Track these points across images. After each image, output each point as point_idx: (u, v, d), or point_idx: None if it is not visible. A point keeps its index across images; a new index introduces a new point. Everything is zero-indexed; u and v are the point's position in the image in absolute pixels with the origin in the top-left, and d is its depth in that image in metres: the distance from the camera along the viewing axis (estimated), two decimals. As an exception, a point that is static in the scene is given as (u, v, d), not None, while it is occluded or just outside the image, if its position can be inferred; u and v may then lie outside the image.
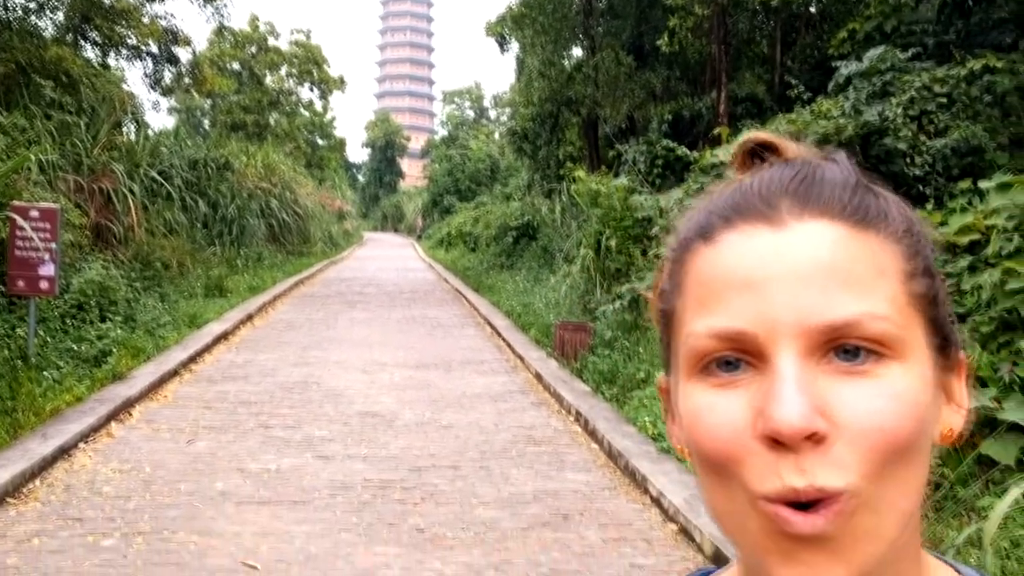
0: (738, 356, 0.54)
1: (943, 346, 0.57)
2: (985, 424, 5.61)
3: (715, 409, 0.54)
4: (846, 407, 0.51)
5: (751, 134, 0.63)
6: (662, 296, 0.61)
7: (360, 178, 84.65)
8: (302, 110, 42.37)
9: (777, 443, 0.51)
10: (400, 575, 4.66)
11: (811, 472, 0.50)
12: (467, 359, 11.41)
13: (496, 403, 8.88)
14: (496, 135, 50.99)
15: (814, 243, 0.54)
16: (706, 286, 0.56)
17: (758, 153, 0.62)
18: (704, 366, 0.55)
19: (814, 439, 0.50)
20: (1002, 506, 3.93)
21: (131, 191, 14.14)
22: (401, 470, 6.50)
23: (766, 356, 0.53)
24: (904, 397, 0.52)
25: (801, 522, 0.50)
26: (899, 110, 8.88)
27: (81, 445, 6.80)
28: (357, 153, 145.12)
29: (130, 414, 7.87)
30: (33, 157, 10.74)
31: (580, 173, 13.25)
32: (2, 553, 4.75)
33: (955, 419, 0.58)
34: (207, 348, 11.17)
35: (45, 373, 8.25)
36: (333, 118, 48.09)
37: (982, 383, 5.85)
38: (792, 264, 0.53)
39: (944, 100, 9.10)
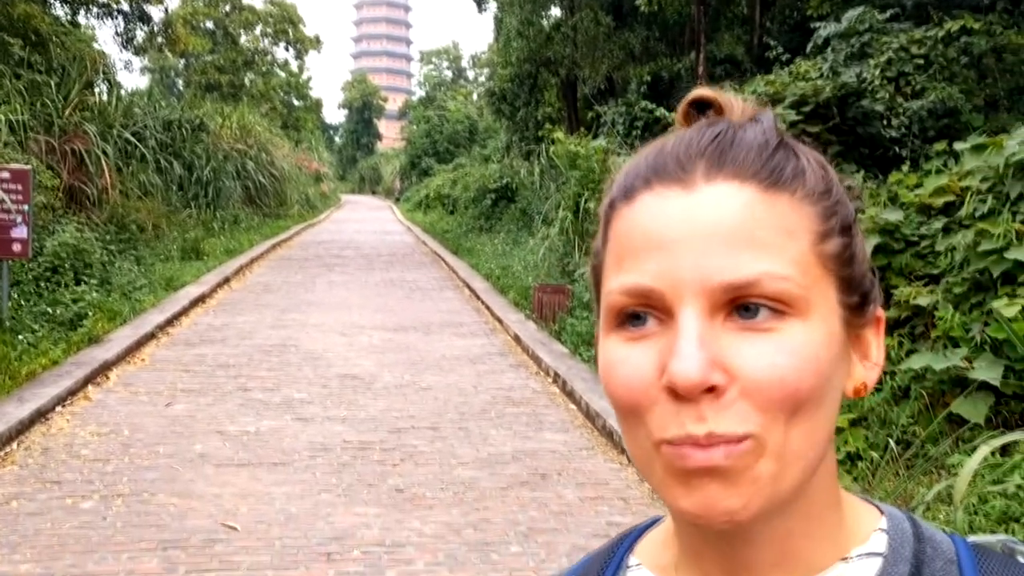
0: (646, 311, 0.56)
1: (859, 303, 0.59)
2: (956, 384, 5.71)
3: (627, 361, 0.56)
4: (745, 362, 0.53)
5: (695, 91, 0.64)
6: (596, 253, 0.63)
7: (337, 140, 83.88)
8: (277, 70, 41.83)
9: (679, 395, 0.53)
10: (380, 535, 4.70)
11: (711, 420, 0.53)
12: (446, 322, 11.42)
13: (475, 365, 8.92)
14: (474, 96, 50.60)
15: (721, 206, 0.55)
16: (623, 245, 0.58)
17: (703, 110, 0.63)
18: (619, 321, 0.57)
19: (713, 392, 0.53)
20: (971, 463, 4.01)
21: (104, 152, 13.92)
22: (380, 431, 6.53)
23: (671, 312, 0.55)
24: (803, 353, 0.54)
25: (700, 455, 0.53)
26: (876, 71, 8.90)
27: (58, 408, 6.77)
28: (334, 114, 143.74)
29: (107, 377, 7.84)
30: (3, 117, 10.55)
31: (559, 135, 13.21)
32: (-20, 516, 4.75)
33: (869, 374, 0.60)
34: (184, 311, 11.11)
35: (20, 336, 8.19)
36: (309, 79, 47.55)
37: (954, 343, 5.94)
38: (699, 226, 0.55)
39: (921, 61, 9.13)
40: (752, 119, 0.60)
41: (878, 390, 6.33)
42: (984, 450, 4.05)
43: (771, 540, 0.59)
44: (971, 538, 0.64)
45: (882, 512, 0.64)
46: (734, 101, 0.62)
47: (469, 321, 11.59)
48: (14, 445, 5.94)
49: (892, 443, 5.39)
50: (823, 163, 0.60)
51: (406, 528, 4.80)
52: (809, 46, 11.18)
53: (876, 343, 0.61)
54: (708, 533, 0.59)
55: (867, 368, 0.61)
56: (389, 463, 5.85)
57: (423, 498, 5.25)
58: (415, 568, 4.32)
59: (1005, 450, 5.08)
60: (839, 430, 5.96)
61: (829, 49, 10.08)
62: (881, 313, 0.62)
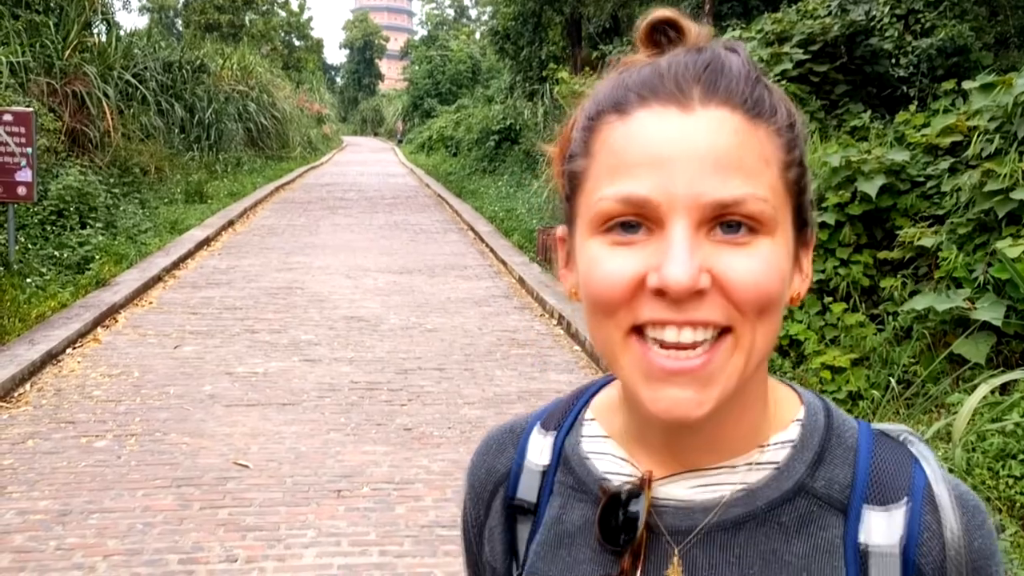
0: (638, 220, 0.62)
1: (801, 225, 0.67)
2: (958, 324, 5.75)
3: (611, 261, 0.63)
4: (727, 269, 0.61)
5: (657, 12, 0.69)
6: (571, 159, 0.69)
7: (338, 80, 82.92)
8: (278, 9, 41.16)
9: (664, 295, 0.61)
10: (388, 472, 4.80)
11: (693, 313, 0.61)
12: (450, 264, 11.45)
13: (480, 307, 8.97)
14: (477, 35, 49.84)
15: (715, 130, 0.61)
16: (618, 156, 0.63)
17: (663, 31, 0.68)
18: (607, 227, 0.63)
19: (698, 295, 0.61)
20: (971, 402, 4.06)
21: (105, 95, 13.80)
22: (387, 372, 6.61)
23: (663, 223, 0.61)
24: (771, 263, 0.62)
25: (673, 363, 0.61)
26: (886, 9, 8.76)
27: (68, 350, 6.85)
28: (335, 55, 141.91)
29: (115, 319, 7.91)
30: (3, 59, 10.45)
31: (564, 75, 13.06)
32: (-2, 455, 4.85)
33: (802, 285, 0.70)
34: (190, 254, 11.14)
35: (28, 280, 8.25)
36: (310, 18, 46.86)
37: (957, 284, 5.97)
38: (695, 147, 0.61)
39: (932, -2, 8.99)
40: (729, 47, 0.65)
41: (880, 330, 6.38)
42: (984, 389, 4.11)
43: (708, 428, 0.67)
44: (877, 425, 0.73)
45: (802, 402, 0.74)
46: (693, 25, 0.67)
47: (473, 264, 11.62)
48: (27, 386, 6.03)
49: (894, 382, 5.45)
50: (786, 98, 0.66)
51: (414, 465, 4.89)
52: (818, -18, 10.96)
53: (806, 261, 0.70)
54: (651, 414, 0.66)
55: (801, 281, 0.69)
56: (396, 403, 5.94)
57: (431, 437, 5.34)
58: (424, 504, 4.42)
59: (1004, 388, 5.14)
60: (840, 370, 6.02)
61: (838, -15, 9.91)
62: (813, 237, 0.70)
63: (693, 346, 0.61)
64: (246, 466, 4.81)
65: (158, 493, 4.44)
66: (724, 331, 0.62)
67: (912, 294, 6.36)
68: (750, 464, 0.70)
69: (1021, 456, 4.48)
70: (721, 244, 0.61)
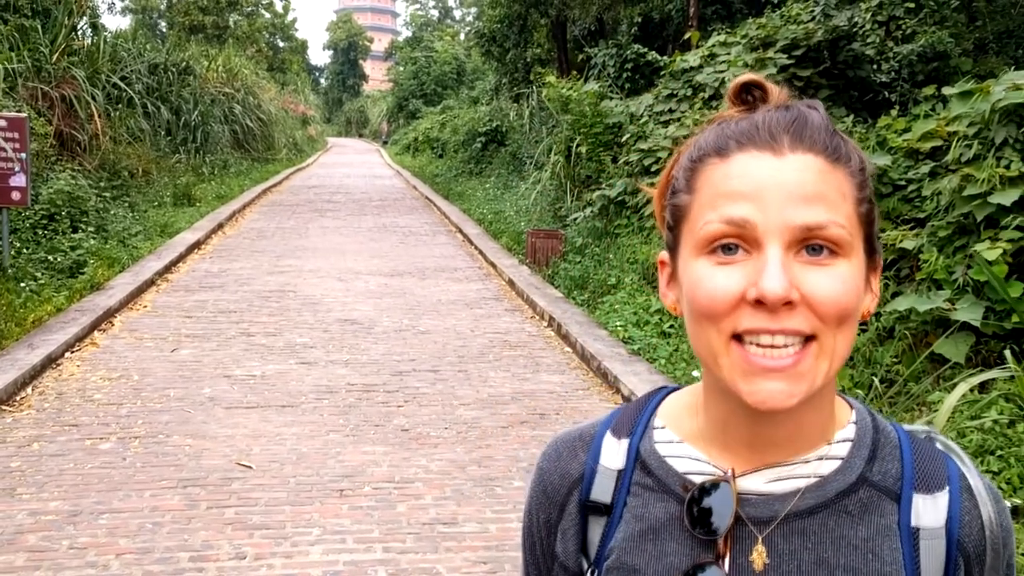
0: (738, 242, 0.75)
1: (871, 252, 0.80)
2: (939, 324, 5.93)
3: (716, 277, 0.75)
4: (812, 286, 0.73)
5: (745, 76, 0.84)
6: (674, 194, 0.82)
7: (323, 82, 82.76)
8: (262, 11, 41.10)
9: (761, 305, 0.73)
10: (389, 472, 4.92)
11: (785, 321, 0.73)
12: (441, 267, 11.58)
13: (471, 309, 9.11)
14: (462, 36, 49.92)
15: (802, 169, 0.75)
16: (719, 190, 0.77)
17: (749, 91, 0.83)
18: (711, 249, 0.76)
19: (788, 306, 0.73)
20: (951, 400, 4.25)
21: (93, 98, 13.83)
22: (383, 374, 6.73)
23: (760, 244, 0.73)
24: (848, 281, 0.75)
25: (769, 361, 0.74)
26: (867, 15, 8.95)
27: (67, 354, 6.93)
28: (319, 56, 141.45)
29: (111, 323, 7.99)
30: (1, 67, 10.48)
31: (550, 78, 13.21)
32: (6, 457, 4.94)
33: (872, 303, 0.82)
34: (181, 257, 11.22)
35: (22, 284, 8.31)
36: (294, 19, 46.80)
37: (937, 286, 6.14)
38: (785, 182, 0.74)
39: (912, 5, 9.18)
40: (810, 106, 0.80)
41: (864, 331, 6.55)
42: (963, 387, 4.28)
43: (788, 422, 0.80)
44: (906, 426, 0.88)
45: (852, 407, 0.87)
46: (775, 87, 0.83)
47: (463, 266, 11.75)
48: (29, 390, 6.11)
49: (876, 382, 5.62)
50: (858, 148, 0.80)
51: (413, 465, 5.02)
52: (801, -12, 11.16)
53: (875, 281, 0.83)
54: (740, 412, 0.80)
55: (871, 299, 0.83)
56: (393, 404, 6.06)
57: (428, 437, 5.47)
58: (424, 502, 4.55)
59: (984, 387, 5.32)
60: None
61: (821, -8, 10.11)
62: (881, 262, 0.84)
63: (784, 347, 0.74)
64: (249, 467, 4.92)
65: (165, 493, 4.55)
66: (809, 338, 0.74)
67: (895, 295, 6.53)
68: (820, 458, 0.82)
69: (999, 452, 4.64)
70: (807, 264, 0.74)
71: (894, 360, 6.13)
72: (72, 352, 7.02)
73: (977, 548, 0.81)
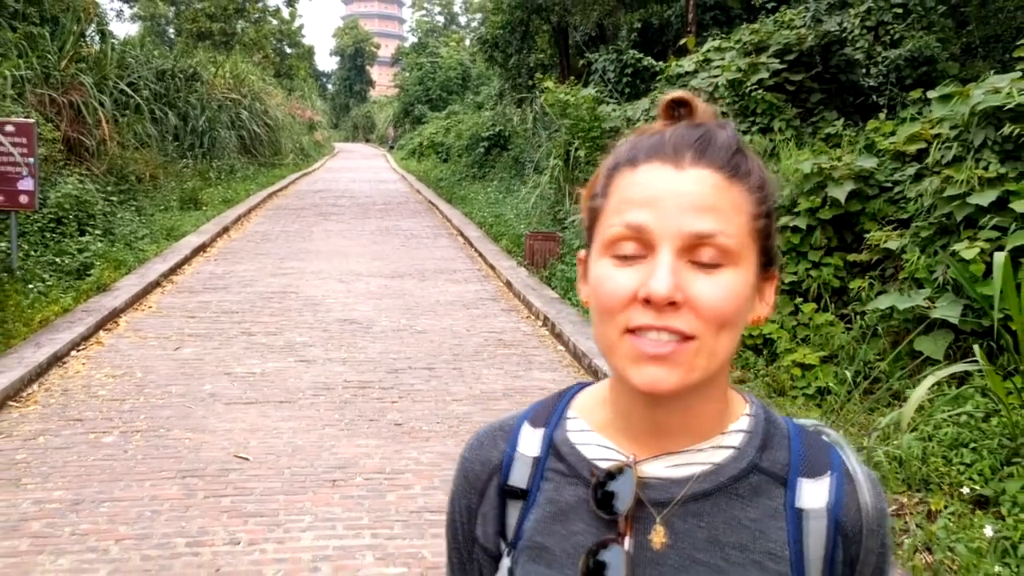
0: (635, 245, 0.82)
1: (767, 263, 0.88)
2: (919, 322, 6.08)
3: (615, 276, 0.83)
4: (696, 290, 0.80)
5: (673, 93, 0.94)
6: (593, 197, 0.91)
7: (330, 87, 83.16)
8: (269, 18, 41.43)
9: (649, 304, 0.80)
10: (380, 464, 5.10)
11: (670, 320, 0.81)
12: (440, 268, 11.76)
13: (468, 309, 9.28)
14: (467, 42, 50.15)
15: (699, 182, 0.82)
16: (626, 196, 0.84)
17: (677, 107, 0.93)
18: (614, 251, 0.84)
19: (673, 306, 0.80)
20: (918, 392, 4.39)
21: (101, 104, 14.07)
22: (379, 372, 6.91)
23: (654, 248, 0.81)
24: (731, 290, 0.82)
25: (654, 347, 0.81)
26: (856, 20, 9.10)
27: (73, 353, 7.13)
28: (326, 62, 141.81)
29: (117, 323, 8.19)
30: (8, 73, 10.71)
31: (549, 84, 13.38)
32: (12, 450, 5.13)
33: (763, 311, 0.90)
34: (186, 260, 11.43)
35: (30, 286, 8.51)
36: (301, 26, 47.12)
37: (918, 284, 6.30)
38: (682, 192, 0.82)
39: (900, 10, 9.33)
40: (720, 125, 0.90)
41: (848, 329, 6.71)
42: (930, 380, 4.43)
43: (681, 411, 0.88)
44: (797, 420, 0.97)
45: (748, 402, 0.94)
46: (702, 104, 0.90)
47: (463, 268, 11.93)
48: (35, 386, 6.31)
49: (850, 375, 5.78)
50: (762, 166, 0.88)
51: (404, 457, 5.20)
52: (795, -6, 11.33)
53: (770, 292, 0.90)
54: (638, 401, 0.87)
55: (762, 307, 0.90)
56: (388, 400, 6.24)
57: (420, 431, 5.64)
58: (413, 492, 4.72)
59: (963, 382, 5.46)
60: (809, 367, 6.35)
61: (812, -2, 10.26)
62: (777, 273, 0.91)
63: (669, 337, 0.81)
64: (246, 459, 5.10)
65: (164, 484, 4.73)
66: (690, 337, 0.81)
67: (879, 294, 6.67)
68: (714, 447, 0.89)
69: (972, 444, 4.78)
70: (696, 270, 0.80)
71: (876, 357, 6.27)
72: (78, 351, 7.22)
73: (854, 528, 0.88)
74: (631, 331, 0.82)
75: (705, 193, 0.82)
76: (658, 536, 0.87)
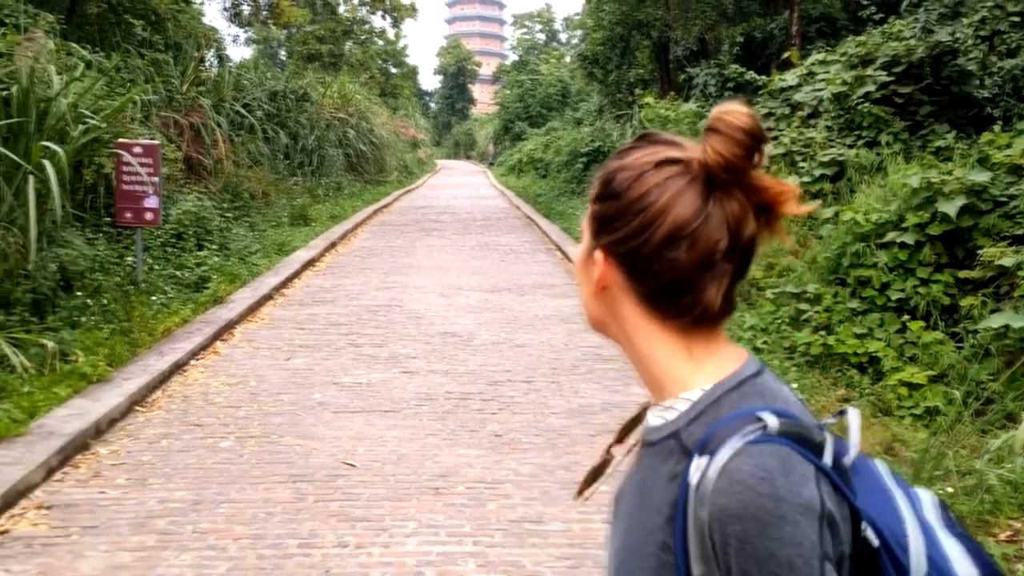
0: None
1: (598, 238, 1.07)
2: (1039, 342, 5.85)
3: None
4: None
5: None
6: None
7: (432, 105, 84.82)
8: (375, 39, 42.62)
9: None
10: (481, 473, 5.22)
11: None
12: (539, 283, 11.89)
13: (566, 324, 9.37)
14: (567, 59, 50.43)
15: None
16: None
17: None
18: None
19: None
20: (1033, 413, 4.25)
21: (218, 124, 14.81)
22: (479, 384, 7.06)
23: None
24: (577, 256, 1.11)
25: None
26: (970, 30, 8.83)
27: (192, 361, 7.53)
28: (429, 80, 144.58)
29: (232, 334, 8.60)
30: (138, 99, 11.40)
31: (649, 100, 13.39)
32: (139, 451, 5.48)
33: (595, 270, 1.07)
34: (296, 274, 11.89)
35: (153, 298, 9.03)
36: (405, 46, 48.30)
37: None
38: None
39: (1017, 19, 9.01)
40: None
41: (959, 348, 6.50)
42: (1045, 401, 4.28)
43: (636, 370, 1.08)
44: (759, 410, 0.96)
45: (715, 382, 1.00)
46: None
47: (561, 283, 12.03)
48: (159, 393, 6.70)
49: (969, 399, 5.60)
50: (599, 175, 1.08)
51: (504, 468, 5.31)
52: (904, 4, 11.06)
53: (598, 254, 1.06)
54: None
55: (595, 268, 1.07)
56: (488, 411, 6.37)
57: (519, 442, 5.75)
58: (513, 502, 4.82)
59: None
60: (917, 386, 6.18)
61: (922, 8, 9.99)
62: (600, 251, 1.06)
63: None
64: (353, 465, 5.31)
65: (277, 487, 4.97)
66: None
67: (993, 312, 6.45)
68: (667, 407, 1.03)
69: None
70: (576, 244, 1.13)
71: (989, 378, 6.07)
72: (196, 360, 7.62)
73: (698, 507, 0.92)
74: None
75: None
76: (632, 463, 1.10)
